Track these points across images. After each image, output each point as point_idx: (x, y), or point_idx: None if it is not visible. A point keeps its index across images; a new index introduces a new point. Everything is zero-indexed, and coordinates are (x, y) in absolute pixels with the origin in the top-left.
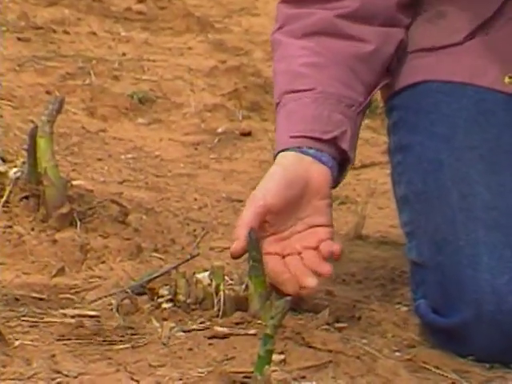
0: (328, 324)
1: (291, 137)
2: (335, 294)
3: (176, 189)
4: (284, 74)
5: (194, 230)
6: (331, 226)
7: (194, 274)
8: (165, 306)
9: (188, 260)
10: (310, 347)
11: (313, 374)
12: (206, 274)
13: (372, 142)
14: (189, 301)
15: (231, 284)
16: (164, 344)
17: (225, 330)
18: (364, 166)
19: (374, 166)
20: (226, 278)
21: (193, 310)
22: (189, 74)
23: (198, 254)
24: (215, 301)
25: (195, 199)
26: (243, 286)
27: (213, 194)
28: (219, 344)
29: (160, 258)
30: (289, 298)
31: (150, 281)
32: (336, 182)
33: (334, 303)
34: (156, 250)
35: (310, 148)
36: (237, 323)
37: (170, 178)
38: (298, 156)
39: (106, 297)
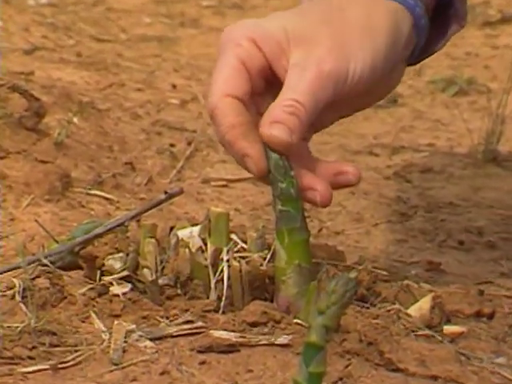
0: (430, 327)
1: None
2: (443, 269)
3: (137, 66)
4: None
5: (172, 146)
6: None
7: (173, 229)
8: (116, 290)
9: (161, 203)
10: (396, 370)
11: None
12: (196, 229)
13: None
14: (162, 281)
15: (243, 249)
16: (115, 364)
17: (231, 335)
18: (505, 20)
19: None
20: (234, 237)
21: (170, 298)
22: None
23: (182, 192)
24: (213, 281)
25: (174, 86)
26: (266, 254)
27: (208, 75)
28: (221, 363)
29: (106, 199)
30: (354, 273)
31: (87, 242)
32: (414, 60)
33: (442, 286)
34: (99, 185)
35: None
36: (254, 323)
37: (124, 45)
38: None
39: (2, 273)
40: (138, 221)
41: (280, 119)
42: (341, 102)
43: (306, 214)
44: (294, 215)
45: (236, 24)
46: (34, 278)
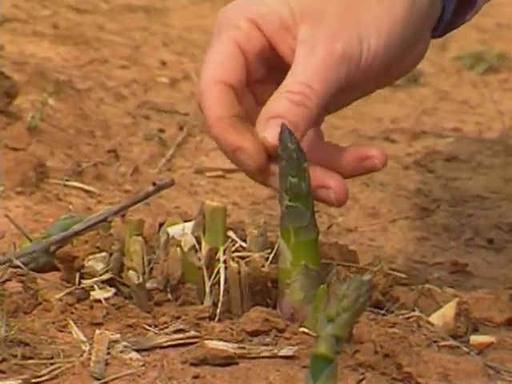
0: (455, 337)
1: None
2: (470, 272)
3: (121, 40)
4: None
5: (161, 131)
6: None
7: (163, 226)
8: (98, 295)
9: (148, 196)
10: None
11: None
12: (189, 226)
13: None
14: (150, 284)
15: (242, 248)
16: (96, 378)
17: (228, 346)
18: None
19: None
20: (232, 234)
21: (159, 303)
22: None
23: (172, 184)
24: (208, 284)
25: (163, 63)
26: (269, 254)
27: (202, 50)
28: (217, 377)
29: (86, 192)
30: (368, 275)
31: (64, 241)
32: (439, 32)
33: (468, 290)
34: (78, 175)
35: None
36: (254, 332)
37: (107, 16)
38: None
39: None
40: (123, 216)
41: (282, 113)
42: (354, 83)
43: (315, 209)
44: (303, 212)
45: (234, 3)
46: (4, 282)
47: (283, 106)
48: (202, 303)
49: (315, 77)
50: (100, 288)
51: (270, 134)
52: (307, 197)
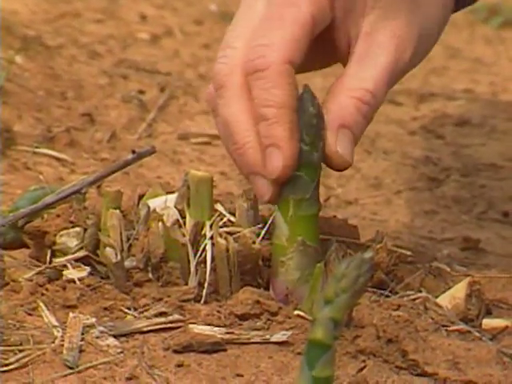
0: (465, 320)
1: None
2: (483, 248)
3: None
4: None
5: (141, 93)
6: None
7: (142, 198)
8: (71, 274)
9: (127, 165)
10: (423, 374)
11: None
12: (171, 198)
13: None
14: (129, 263)
15: (231, 223)
16: (70, 367)
17: (215, 331)
18: None
19: None
20: (219, 207)
21: (138, 284)
22: None
23: (153, 152)
24: (193, 263)
25: (142, 17)
26: (259, 229)
27: (184, 3)
28: (203, 365)
29: (58, 160)
30: (370, 252)
31: (34, 214)
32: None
33: (481, 269)
34: (49, 141)
35: None
36: (244, 316)
37: None
38: None
39: None
40: (99, 187)
41: (351, 124)
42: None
43: None
44: (306, 183)
45: None
46: None
47: (353, 115)
48: (187, 284)
49: (381, 86)
50: (73, 267)
51: (343, 150)
52: (316, 168)
